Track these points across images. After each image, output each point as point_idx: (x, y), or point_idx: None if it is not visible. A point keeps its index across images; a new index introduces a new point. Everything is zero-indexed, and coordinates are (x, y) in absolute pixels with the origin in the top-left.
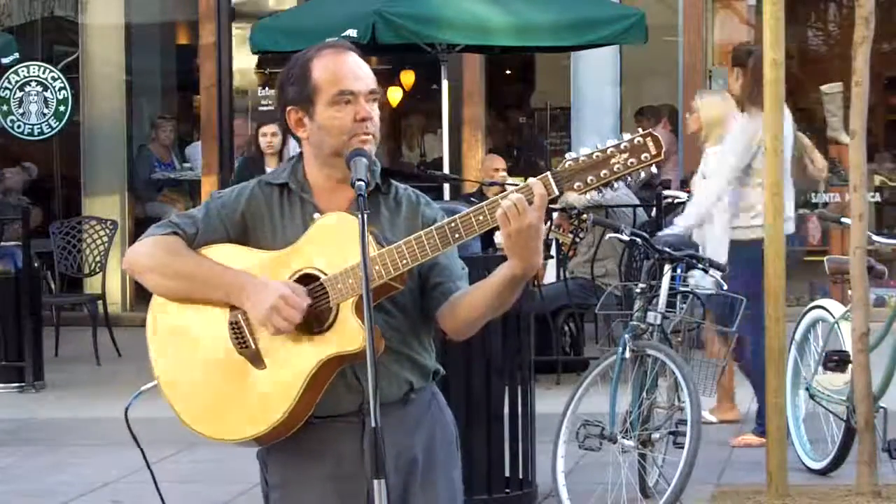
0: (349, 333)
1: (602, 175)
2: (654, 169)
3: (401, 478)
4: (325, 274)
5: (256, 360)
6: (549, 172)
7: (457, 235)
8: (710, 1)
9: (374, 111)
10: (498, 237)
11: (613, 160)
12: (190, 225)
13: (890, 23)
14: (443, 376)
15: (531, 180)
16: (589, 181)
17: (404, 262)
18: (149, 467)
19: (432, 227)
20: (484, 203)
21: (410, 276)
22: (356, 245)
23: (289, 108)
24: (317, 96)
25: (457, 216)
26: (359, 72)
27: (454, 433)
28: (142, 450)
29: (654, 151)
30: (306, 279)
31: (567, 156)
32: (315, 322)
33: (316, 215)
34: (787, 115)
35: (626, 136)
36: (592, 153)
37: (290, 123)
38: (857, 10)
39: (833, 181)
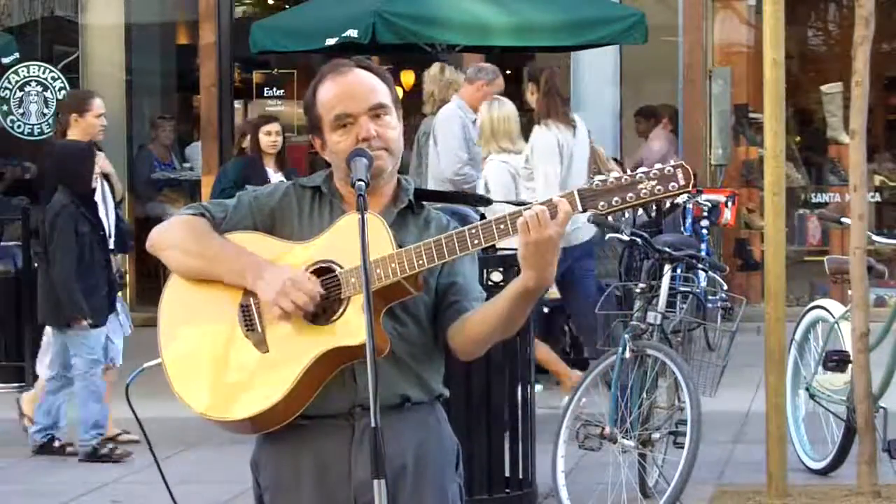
0: (353, 328)
1: (628, 198)
2: (682, 199)
3: (389, 484)
4: (342, 267)
5: (261, 343)
6: (575, 189)
7: (476, 241)
8: (710, 1)
9: (385, 125)
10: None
11: (641, 185)
12: (219, 210)
13: (890, 23)
14: (443, 377)
15: (555, 197)
16: (614, 203)
17: (420, 262)
18: (155, 458)
19: (452, 232)
20: (506, 213)
21: (427, 291)
22: (376, 242)
23: (311, 136)
24: (322, 124)
25: (478, 223)
26: (356, 90)
27: (453, 448)
28: (146, 436)
29: (682, 182)
30: (322, 271)
31: (596, 178)
32: (323, 314)
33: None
34: (581, 125)
35: (658, 166)
36: (621, 177)
37: (317, 149)
38: (857, 10)
39: (833, 181)
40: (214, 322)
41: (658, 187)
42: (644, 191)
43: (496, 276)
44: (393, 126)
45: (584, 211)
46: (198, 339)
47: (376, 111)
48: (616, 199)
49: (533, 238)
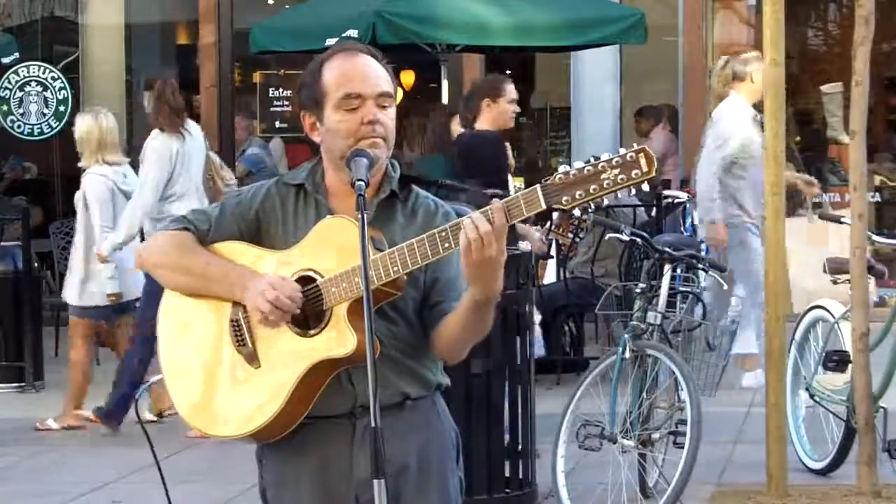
0: (340, 337)
1: (591, 190)
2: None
3: (392, 483)
4: (322, 276)
5: (252, 359)
6: (538, 185)
7: (446, 245)
8: (710, 1)
9: (387, 115)
10: None
11: (604, 175)
12: (203, 221)
13: (890, 23)
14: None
15: (519, 193)
16: (577, 196)
17: (395, 268)
18: (156, 461)
19: (424, 235)
20: (470, 214)
21: (416, 287)
22: (355, 249)
23: (302, 113)
24: (325, 100)
25: (447, 225)
26: (369, 73)
27: (454, 442)
28: (149, 440)
29: (645, 169)
30: (305, 281)
31: (560, 169)
32: (310, 324)
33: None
34: (196, 132)
35: (621, 151)
36: (584, 167)
37: (305, 128)
38: (857, 10)
39: (833, 181)
40: (207, 340)
41: (621, 176)
42: (607, 181)
43: None
44: (392, 118)
45: (549, 206)
46: (193, 357)
47: (384, 100)
48: (579, 192)
49: (475, 259)
